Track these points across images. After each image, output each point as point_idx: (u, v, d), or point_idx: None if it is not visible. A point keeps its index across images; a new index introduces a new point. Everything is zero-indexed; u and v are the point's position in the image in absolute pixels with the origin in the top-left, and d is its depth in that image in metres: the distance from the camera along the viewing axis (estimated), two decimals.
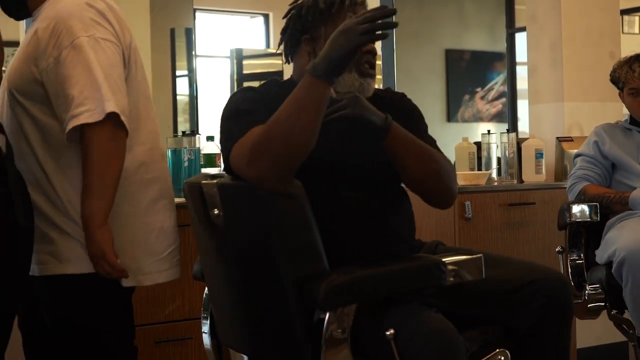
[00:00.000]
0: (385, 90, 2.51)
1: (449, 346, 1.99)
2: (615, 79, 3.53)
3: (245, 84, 6.31)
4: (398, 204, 2.37)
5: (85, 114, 2.28)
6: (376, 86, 2.38)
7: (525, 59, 4.78)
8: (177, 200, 3.39)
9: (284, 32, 2.40)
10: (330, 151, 2.22)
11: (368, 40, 1.98)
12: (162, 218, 2.53)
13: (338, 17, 2.30)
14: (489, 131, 4.44)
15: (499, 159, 4.43)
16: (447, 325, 2.03)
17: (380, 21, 1.95)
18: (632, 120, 3.54)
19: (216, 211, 2.15)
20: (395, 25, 2.05)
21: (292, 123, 1.98)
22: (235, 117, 2.15)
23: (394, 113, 2.23)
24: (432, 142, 2.37)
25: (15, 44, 3.14)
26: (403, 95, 2.49)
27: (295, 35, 2.36)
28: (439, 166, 2.27)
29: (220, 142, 2.22)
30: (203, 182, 2.17)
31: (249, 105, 2.17)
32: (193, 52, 4.67)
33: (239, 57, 6.43)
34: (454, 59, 5.93)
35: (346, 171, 2.26)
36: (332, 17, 2.30)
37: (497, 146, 4.41)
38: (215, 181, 2.14)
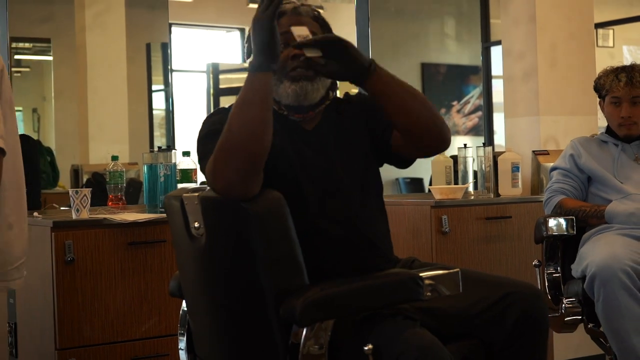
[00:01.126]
0: (359, 94, 2.50)
1: None
2: (599, 86, 3.51)
3: (222, 99, 6.30)
4: (375, 217, 2.36)
5: None
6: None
7: (501, 73, 4.79)
8: (152, 216, 3.39)
9: None
10: (307, 164, 2.24)
11: (271, 15, 2.01)
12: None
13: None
14: (465, 145, 4.45)
15: (475, 173, 4.44)
16: (433, 341, 2.01)
17: None
18: (609, 131, 3.54)
19: (197, 224, 2.14)
20: None
21: (242, 119, 2.02)
22: (207, 138, 2.18)
23: (370, 110, 2.33)
24: None
25: None
26: None
27: None
28: (426, 100, 2.25)
29: (198, 164, 2.25)
30: (184, 195, 2.18)
31: (219, 126, 2.17)
32: (169, 67, 4.66)
33: (215, 71, 6.41)
34: (430, 72, 5.94)
35: (323, 183, 2.26)
36: None
37: (474, 160, 4.42)
38: (196, 194, 2.14)
